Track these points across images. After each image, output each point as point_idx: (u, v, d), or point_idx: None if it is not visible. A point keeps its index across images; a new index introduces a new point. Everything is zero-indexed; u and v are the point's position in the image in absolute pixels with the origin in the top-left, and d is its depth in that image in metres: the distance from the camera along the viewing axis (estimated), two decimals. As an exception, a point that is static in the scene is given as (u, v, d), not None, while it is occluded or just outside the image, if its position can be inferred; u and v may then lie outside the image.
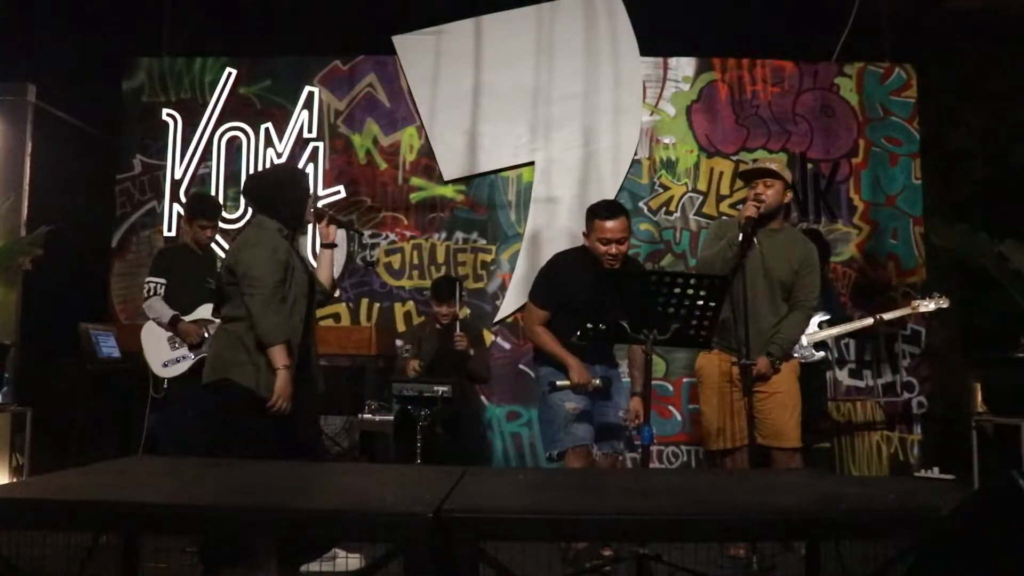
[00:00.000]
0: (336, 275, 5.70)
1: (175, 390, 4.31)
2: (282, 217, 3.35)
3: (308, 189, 3.48)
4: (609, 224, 3.57)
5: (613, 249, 3.56)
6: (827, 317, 4.72)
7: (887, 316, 4.83)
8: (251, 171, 5.92)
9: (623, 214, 3.63)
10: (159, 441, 4.39)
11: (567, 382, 3.57)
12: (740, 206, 3.73)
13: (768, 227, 3.67)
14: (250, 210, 6.04)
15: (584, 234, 3.72)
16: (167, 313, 4.27)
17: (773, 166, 3.82)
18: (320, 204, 3.60)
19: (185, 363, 4.31)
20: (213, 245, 4.76)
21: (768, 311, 3.63)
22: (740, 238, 3.49)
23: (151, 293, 4.31)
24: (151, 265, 4.53)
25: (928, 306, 4.74)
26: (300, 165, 5.93)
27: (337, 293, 5.71)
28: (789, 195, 3.80)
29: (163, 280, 4.33)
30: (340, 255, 5.92)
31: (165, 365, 4.33)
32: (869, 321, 4.80)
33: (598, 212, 3.64)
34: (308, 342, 3.42)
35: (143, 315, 4.59)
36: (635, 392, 3.72)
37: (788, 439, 3.60)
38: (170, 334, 4.33)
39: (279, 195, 3.38)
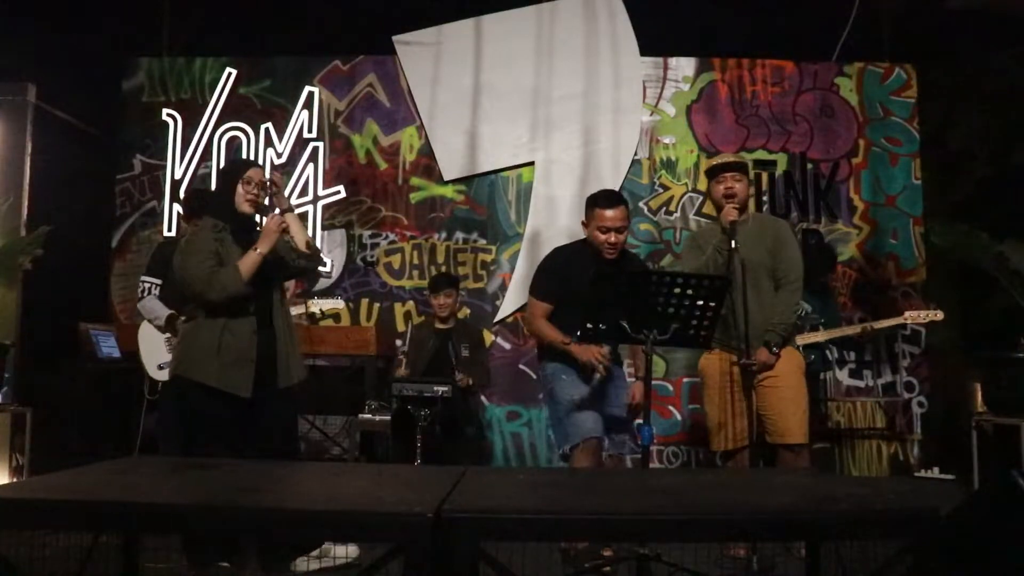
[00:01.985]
0: (329, 264, 5.71)
1: (171, 392, 4.28)
2: (216, 212, 3.34)
3: (236, 178, 3.32)
4: (609, 212, 3.57)
5: (612, 238, 3.57)
6: (820, 320, 4.72)
7: (877, 325, 4.82)
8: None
9: (622, 203, 3.64)
10: (158, 440, 4.36)
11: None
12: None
13: (738, 220, 3.69)
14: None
15: (583, 224, 3.72)
16: (163, 313, 4.21)
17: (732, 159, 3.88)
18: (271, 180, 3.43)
19: None
20: None
21: (756, 303, 3.62)
22: (733, 244, 3.50)
23: (145, 293, 4.26)
24: (148, 263, 4.47)
25: (919, 318, 4.72)
26: (300, 165, 5.95)
27: (335, 291, 5.72)
28: (751, 188, 3.85)
29: (158, 280, 4.26)
30: (340, 254, 5.93)
31: (160, 367, 4.29)
32: (857, 329, 4.81)
33: (598, 201, 3.65)
34: (274, 330, 3.35)
35: (141, 315, 4.58)
36: (637, 377, 3.71)
37: (794, 435, 3.58)
38: (167, 335, 4.27)
39: (210, 193, 3.50)
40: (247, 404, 3.24)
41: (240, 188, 3.29)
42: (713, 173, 3.78)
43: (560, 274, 3.65)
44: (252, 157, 5.98)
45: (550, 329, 3.64)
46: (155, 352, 4.33)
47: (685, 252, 3.94)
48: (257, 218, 3.47)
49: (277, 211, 3.34)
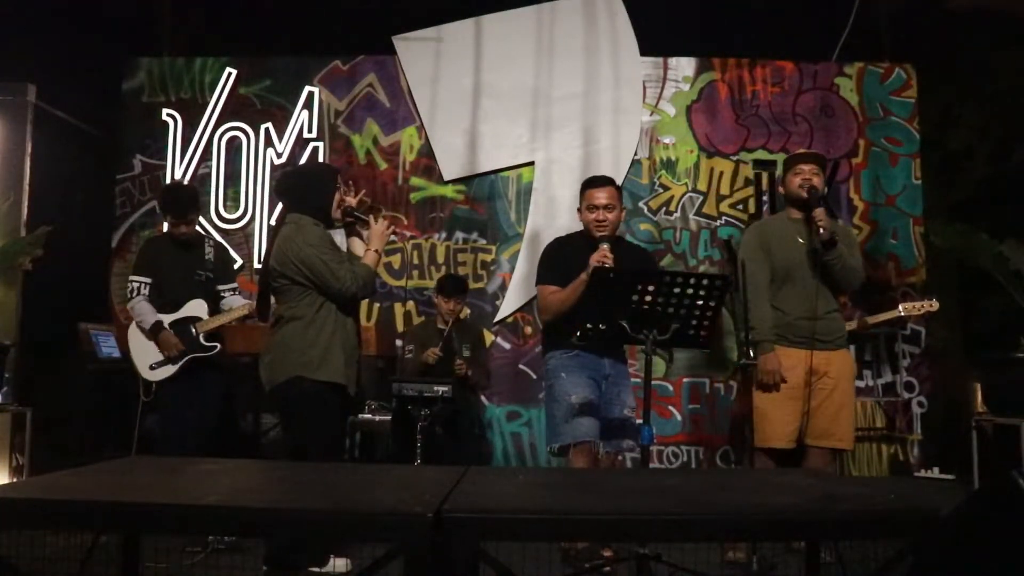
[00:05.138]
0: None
1: (170, 391, 4.14)
2: (312, 213, 3.37)
3: (334, 185, 3.43)
4: (597, 191, 3.64)
5: (600, 215, 3.60)
6: None
7: (871, 320, 4.82)
8: (253, 169, 5.96)
9: (611, 183, 3.71)
10: (157, 442, 4.31)
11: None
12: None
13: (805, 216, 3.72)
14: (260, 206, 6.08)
15: (579, 210, 3.76)
16: (150, 319, 4.09)
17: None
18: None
19: (174, 365, 4.12)
20: (199, 229, 4.56)
21: (822, 301, 3.65)
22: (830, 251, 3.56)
23: (134, 293, 4.15)
24: (135, 261, 4.35)
25: (914, 309, 4.71)
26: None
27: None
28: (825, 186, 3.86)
29: (147, 279, 4.15)
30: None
31: (152, 368, 4.13)
32: (853, 324, 4.81)
33: (587, 183, 3.74)
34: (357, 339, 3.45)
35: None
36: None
37: (844, 440, 3.62)
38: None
39: (306, 192, 3.41)
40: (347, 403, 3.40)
41: (336, 195, 3.39)
42: (791, 163, 3.77)
43: (562, 261, 3.66)
44: (252, 157, 5.99)
45: (564, 291, 3.56)
46: (146, 353, 4.15)
47: (748, 251, 3.77)
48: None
49: (371, 217, 3.50)
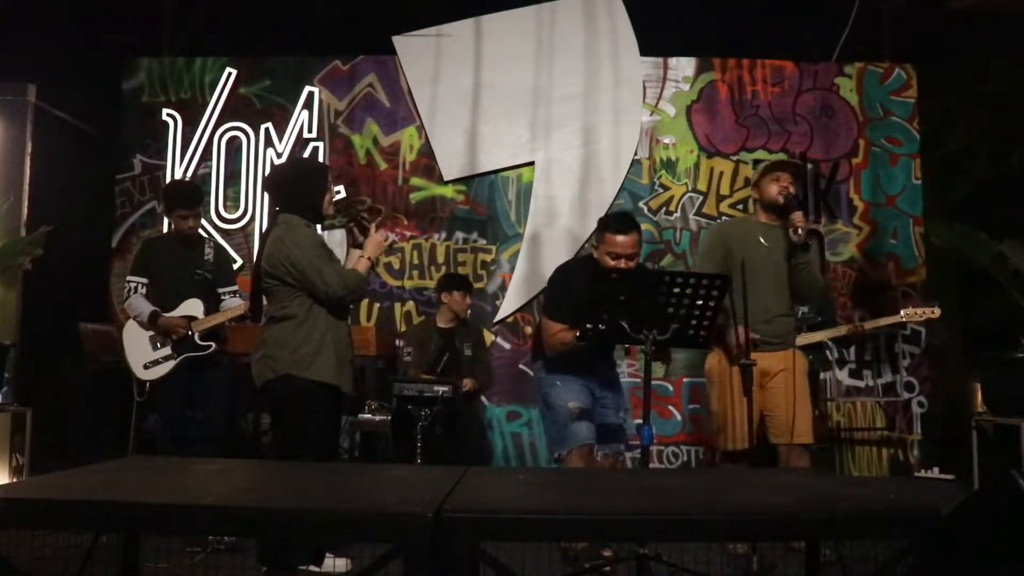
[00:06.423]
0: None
1: (166, 391, 4.13)
2: (302, 212, 3.36)
3: (325, 182, 3.43)
4: (620, 239, 3.49)
5: (622, 264, 3.48)
6: (818, 319, 4.72)
7: (869, 325, 4.82)
8: (253, 169, 5.95)
9: (635, 229, 3.55)
10: (157, 442, 4.30)
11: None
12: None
13: (776, 223, 3.71)
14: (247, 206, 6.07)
15: (593, 246, 3.69)
16: (146, 310, 4.09)
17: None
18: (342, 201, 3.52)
19: (168, 363, 4.12)
20: (201, 231, 4.55)
21: (776, 303, 3.66)
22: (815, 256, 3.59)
23: (131, 293, 4.18)
24: (132, 262, 4.39)
25: (916, 316, 4.70)
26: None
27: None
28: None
29: (143, 280, 4.18)
30: (339, 254, 5.91)
31: (146, 367, 4.13)
32: (851, 327, 4.80)
33: (609, 225, 3.56)
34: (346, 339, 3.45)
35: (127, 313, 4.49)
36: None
37: (802, 435, 3.61)
38: (151, 333, 4.13)
39: (297, 190, 3.39)
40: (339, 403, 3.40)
41: (327, 194, 3.39)
42: (770, 169, 3.76)
43: (571, 294, 3.58)
44: (252, 157, 5.99)
45: (571, 337, 3.51)
46: (141, 351, 4.15)
47: (708, 247, 3.85)
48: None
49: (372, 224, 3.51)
